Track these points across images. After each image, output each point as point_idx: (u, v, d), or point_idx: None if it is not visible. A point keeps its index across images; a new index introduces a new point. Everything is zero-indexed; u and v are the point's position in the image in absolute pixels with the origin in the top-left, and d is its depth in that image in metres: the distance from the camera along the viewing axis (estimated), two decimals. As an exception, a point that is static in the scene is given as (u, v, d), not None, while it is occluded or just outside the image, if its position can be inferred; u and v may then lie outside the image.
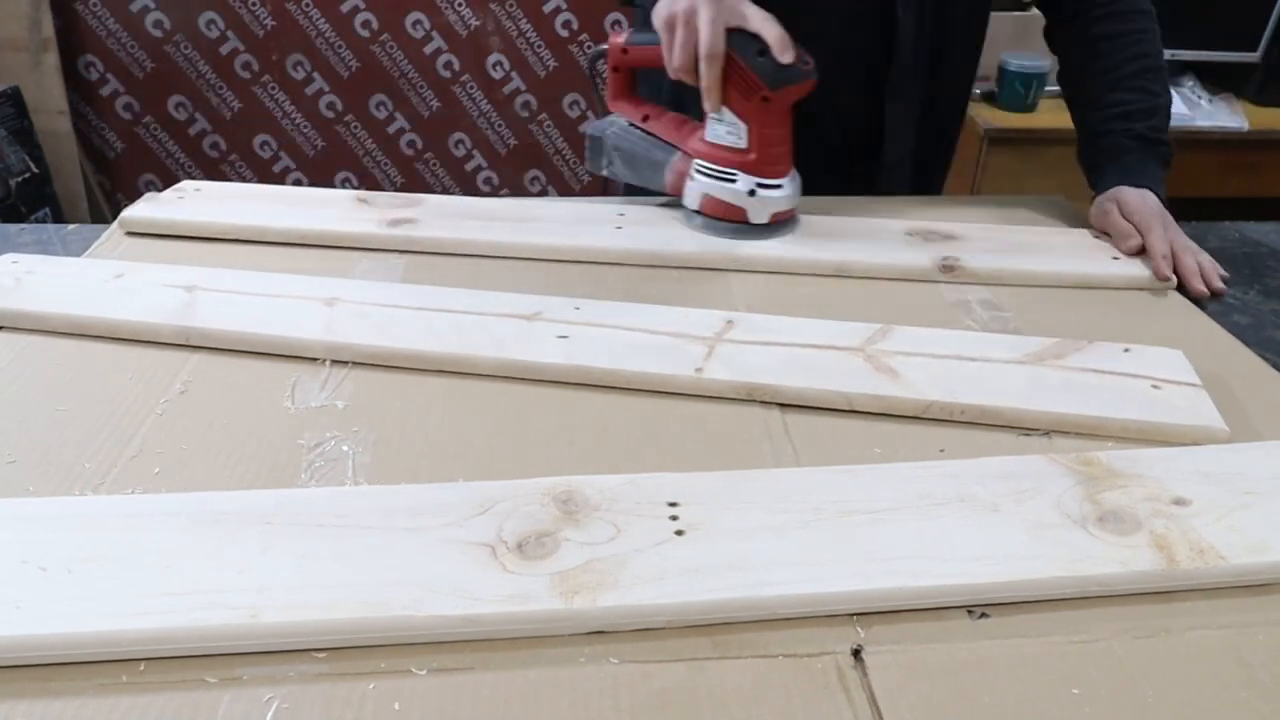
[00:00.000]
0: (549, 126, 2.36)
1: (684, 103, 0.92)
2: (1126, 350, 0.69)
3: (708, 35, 0.77)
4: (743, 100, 0.82)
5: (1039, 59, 1.91)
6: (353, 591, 0.45)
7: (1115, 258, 0.87)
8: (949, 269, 0.83)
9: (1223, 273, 0.86)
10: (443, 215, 0.89)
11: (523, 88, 2.30)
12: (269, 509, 0.50)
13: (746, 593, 0.46)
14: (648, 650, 0.45)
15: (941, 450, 0.60)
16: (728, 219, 0.86)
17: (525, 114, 2.34)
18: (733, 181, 0.85)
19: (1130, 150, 0.93)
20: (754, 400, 0.64)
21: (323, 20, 2.17)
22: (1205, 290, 0.83)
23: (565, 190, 2.43)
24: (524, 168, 2.40)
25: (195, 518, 0.50)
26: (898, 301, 0.79)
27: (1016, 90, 1.93)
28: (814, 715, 0.42)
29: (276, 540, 0.48)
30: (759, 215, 0.85)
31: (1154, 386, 0.65)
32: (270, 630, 0.43)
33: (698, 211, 0.88)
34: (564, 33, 2.25)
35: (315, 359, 0.67)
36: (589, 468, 0.56)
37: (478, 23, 2.21)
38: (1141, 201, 0.89)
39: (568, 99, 2.33)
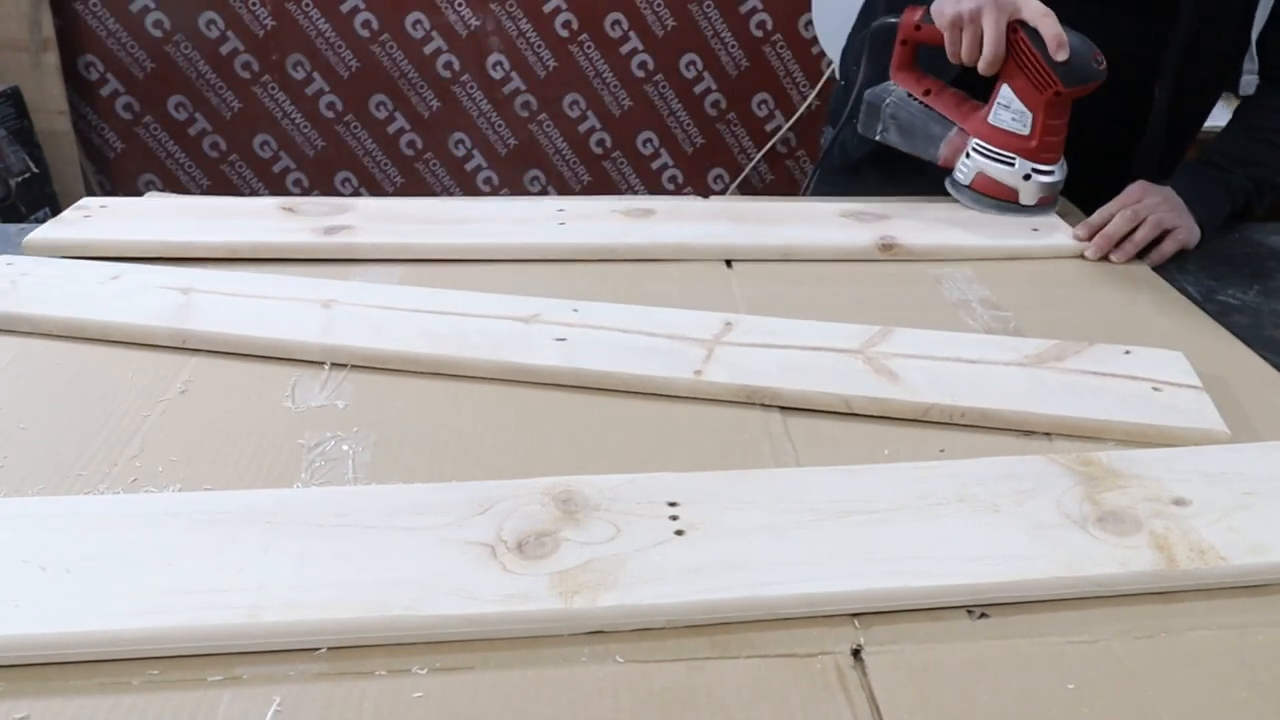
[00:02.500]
0: (549, 126, 2.36)
1: (973, 82, 0.94)
2: (1127, 353, 0.69)
3: (992, 43, 0.84)
4: (1034, 93, 0.87)
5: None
6: (353, 591, 0.45)
7: (1035, 229, 0.91)
8: (888, 248, 0.87)
9: (1137, 257, 0.88)
10: (377, 219, 0.87)
11: (523, 88, 2.30)
12: (269, 508, 0.50)
13: (746, 593, 0.46)
14: (647, 650, 0.45)
15: (941, 450, 0.60)
16: (998, 197, 0.93)
17: (525, 114, 2.33)
18: (1010, 165, 0.91)
19: (1193, 172, 0.94)
20: (753, 403, 0.64)
21: (323, 20, 2.17)
22: (1107, 257, 0.88)
23: (565, 190, 2.43)
24: (524, 168, 2.40)
25: (195, 517, 0.50)
26: (898, 302, 0.79)
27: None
28: (813, 715, 0.42)
29: (277, 539, 0.48)
30: (1029, 197, 0.92)
31: (1155, 389, 0.65)
32: (270, 629, 0.43)
33: (968, 187, 0.95)
34: (564, 33, 2.25)
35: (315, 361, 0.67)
36: (588, 469, 0.56)
37: (478, 23, 2.21)
38: (1142, 188, 0.90)
39: (568, 99, 2.33)
